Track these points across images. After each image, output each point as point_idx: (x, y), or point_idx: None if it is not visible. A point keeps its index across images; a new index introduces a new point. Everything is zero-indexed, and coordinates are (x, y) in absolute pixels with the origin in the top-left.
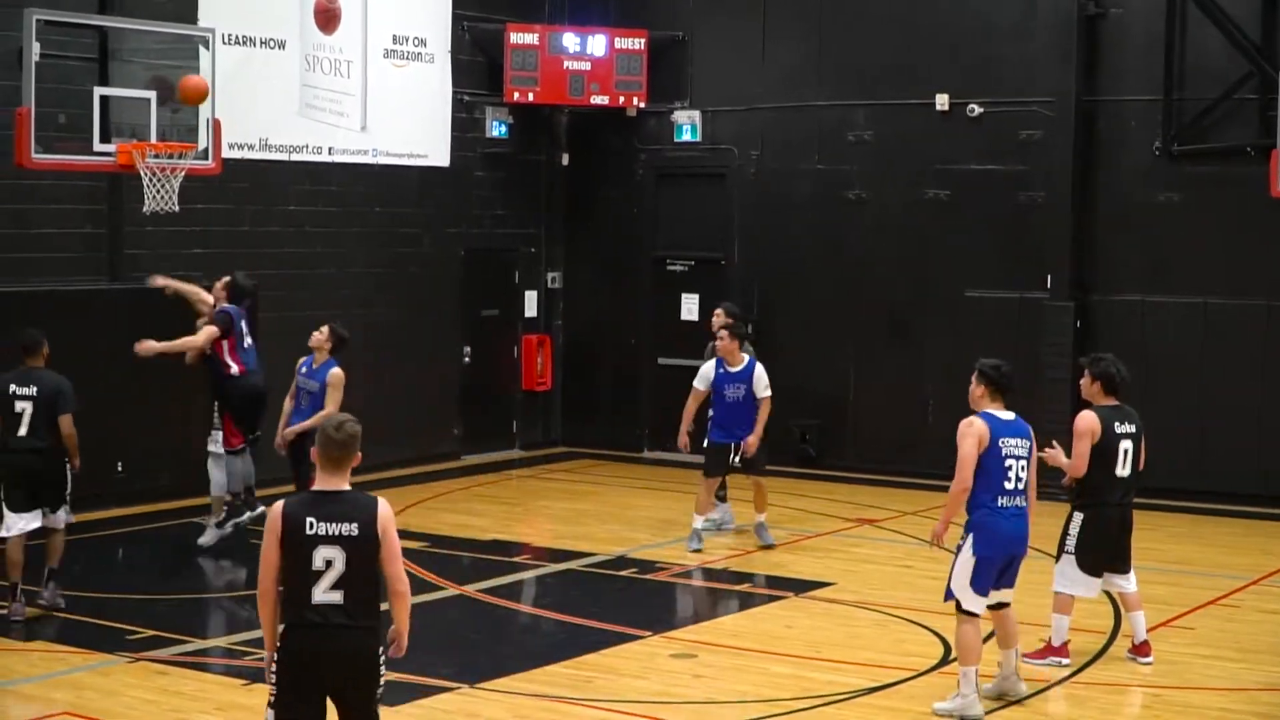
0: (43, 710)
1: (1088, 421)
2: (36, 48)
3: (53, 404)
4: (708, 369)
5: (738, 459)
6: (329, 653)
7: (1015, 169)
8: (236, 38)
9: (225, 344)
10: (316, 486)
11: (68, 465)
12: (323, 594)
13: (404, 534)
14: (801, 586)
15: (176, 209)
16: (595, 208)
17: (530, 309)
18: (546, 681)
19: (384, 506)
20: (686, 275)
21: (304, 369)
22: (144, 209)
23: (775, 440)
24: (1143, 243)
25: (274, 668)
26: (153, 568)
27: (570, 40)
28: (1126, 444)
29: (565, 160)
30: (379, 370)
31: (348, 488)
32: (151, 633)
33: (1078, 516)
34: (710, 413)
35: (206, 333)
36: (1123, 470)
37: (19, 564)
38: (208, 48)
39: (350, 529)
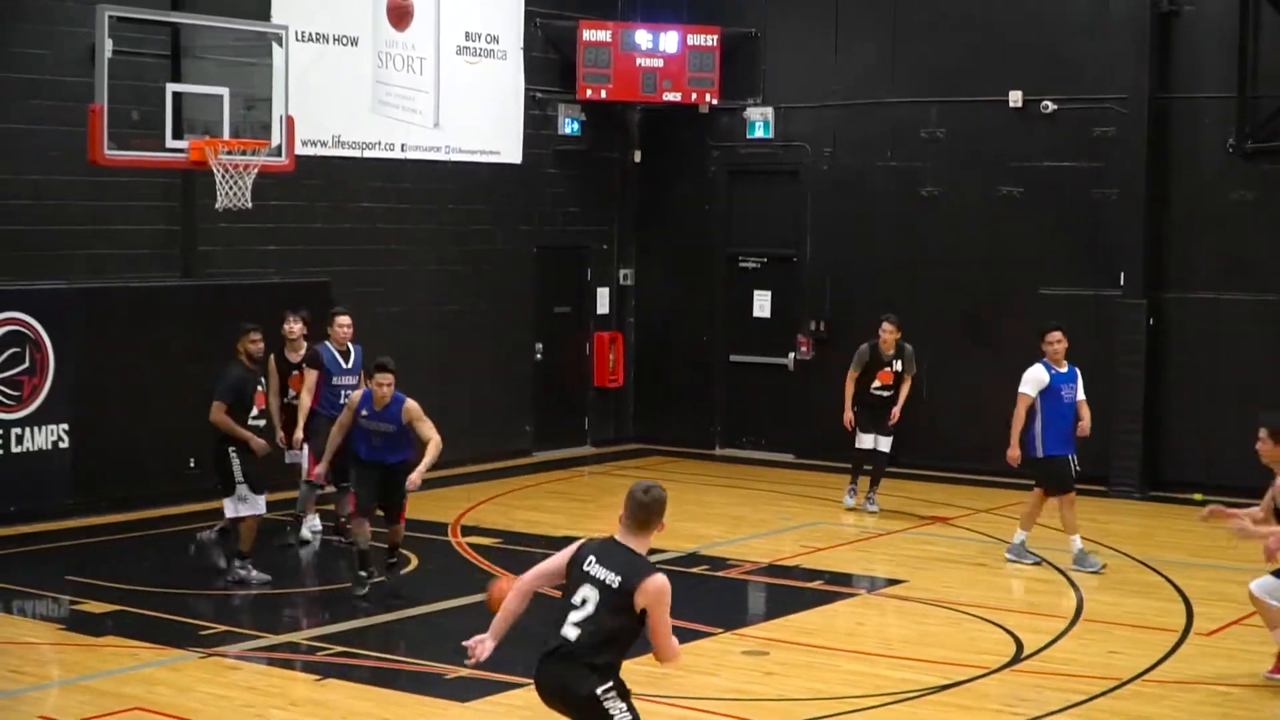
0: (114, 706)
1: None
2: (109, 45)
3: (210, 390)
4: (1039, 374)
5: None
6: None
7: (1088, 166)
8: (309, 35)
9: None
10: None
11: (231, 452)
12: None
13: (477, 530)
14: (873, 584)
15: (249, 206)
16: (667, 205)
17: (602, 306)
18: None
19: (655, 581)
20: (758, 272)
21: (365, 411)
22: (217, 206)
23: (848, 438)
24: (1216, 240)
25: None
26: (211, 562)
27: (643, 37)
28: None
29: (637, 157)
30: (452, 367)
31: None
32: (224, 628)
33: None
34: (1040, 423)
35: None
36: None
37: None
38: (281, 45)
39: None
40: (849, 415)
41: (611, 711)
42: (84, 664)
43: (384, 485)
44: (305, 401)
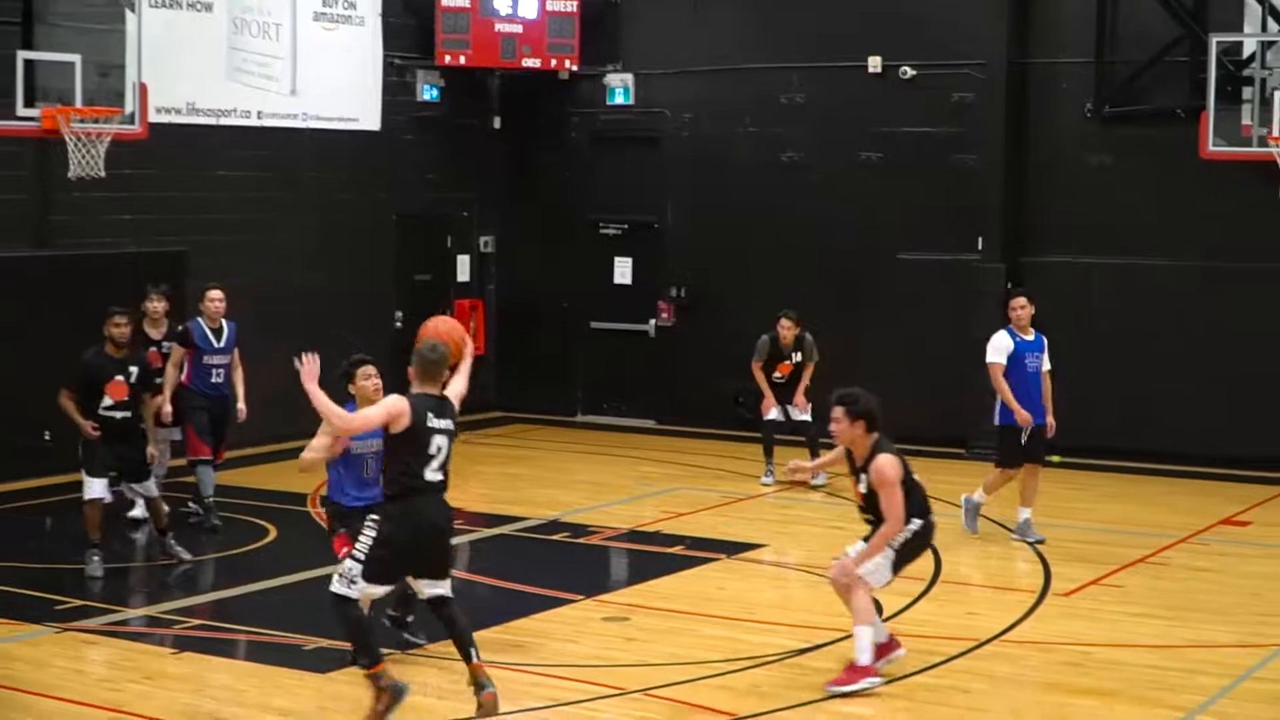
0: None
1: (896, 468)
2: None
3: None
4: (1003, 340)
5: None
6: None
7: (948, 131)
8: (163, 0)
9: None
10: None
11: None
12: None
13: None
14: (733, 549)
15: (103, 174)
16: (528, 172)
17: (463, 274)
18: (479, 646)
19: None
20: (620, 239)
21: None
22: (70, 174)
23: (710, 404)
24: (1075, 204)
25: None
26: (80, 537)
27: (502, 3)
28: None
29: (498, 124)
30: (310, 336)
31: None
32: (81, 602)
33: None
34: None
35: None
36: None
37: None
38: (134, 11)
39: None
40: (769, 401)
41: None
42: None
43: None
44: (171, 376)
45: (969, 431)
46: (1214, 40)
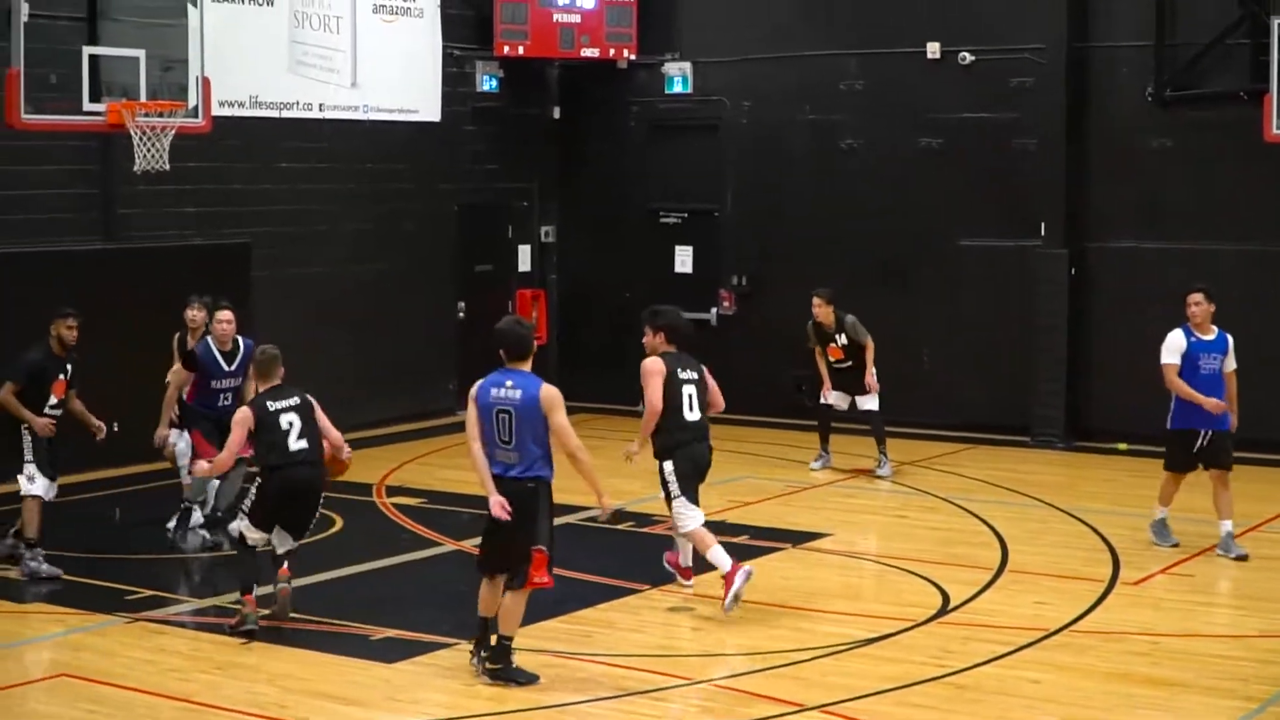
0: (40, 672)
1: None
2: (25, 8)
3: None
4: (1177, 340)
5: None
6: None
7: (1007, 116)
8: None
9: None
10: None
11: (24, 430)
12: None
13: (401, 490)
14: (799, 538)
15: (167, 168)
16: (588, 161)
17: (524, 264)
18: (544, 636)
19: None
20: (680, 227)
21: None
22: (135, 168)
23: (772, 392)
24: (1136, 189)
25: None
26: (149, 527)
27: None
28: (690, 389)
29: (556, 114)
30: (374, 327)
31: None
32: (149, 592)
33: (668, 465)
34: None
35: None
36: (691, 414)
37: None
38: (196, 5)
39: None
40: (826, 385)
41: None
42: (10, 631)
43: None
44: (170, 400)
45: (1032, 419)
46: (1276, 22)
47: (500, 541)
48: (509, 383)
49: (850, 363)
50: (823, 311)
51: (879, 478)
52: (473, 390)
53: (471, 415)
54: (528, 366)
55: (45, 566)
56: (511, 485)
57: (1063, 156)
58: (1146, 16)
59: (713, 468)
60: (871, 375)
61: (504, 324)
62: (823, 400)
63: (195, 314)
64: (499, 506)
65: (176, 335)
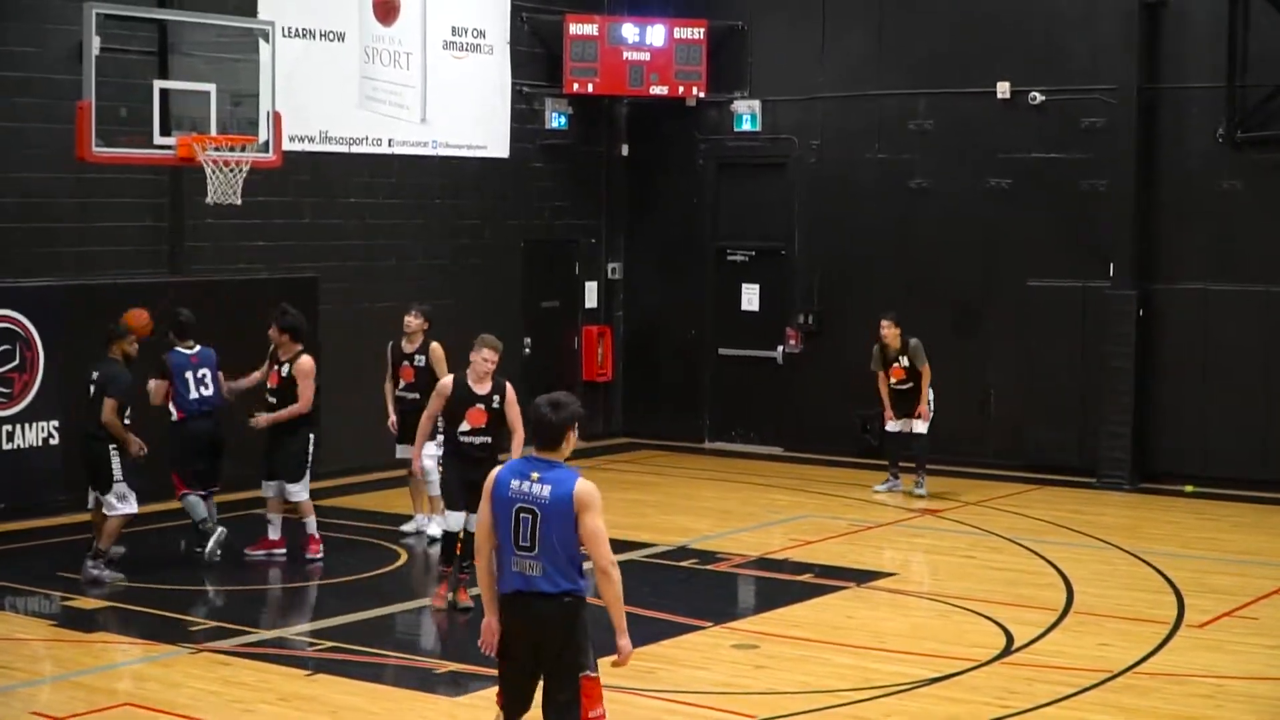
0: (105, 702)
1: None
2: (97, 42)
3: (102, 389)
4: None
5: None
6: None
7: (1077, 157)
8: (296, 30)
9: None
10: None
11: (112, 450)
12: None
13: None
14: (863, 577)
15: (239, 202)
16: (655, 198)
17: (590, 300)
18: (606, 673)
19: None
20: (747, 265)
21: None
22: (207, 200)
23: (838, 431)
24: (1205, 231)
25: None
26: (222, 560)
27: (629, 30)
28: None
29: (625, 151)
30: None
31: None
32: (214, 623)
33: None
34: None
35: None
36: None
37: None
38: (267, 40)
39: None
40: (889, 413)
41: None
42: (75, 660)
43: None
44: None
45: (1099, 460)
46: None
47: (521, 678)
48: (535, 474)
49: (910, 384)
50: (891, 334)
51: (917, 496)
52: (488, 481)
53: (484, 514)
54: (560, 457)
55: (108, 573)
56: (535, 602)
57: (1132, 197)
58: (1217, 58)
59: (777, 506)
60: (926, 403)
61: (538, 403)
62: (888, 428)
63: (411, 320)
64: (489, 630)
65: (390, 344)
